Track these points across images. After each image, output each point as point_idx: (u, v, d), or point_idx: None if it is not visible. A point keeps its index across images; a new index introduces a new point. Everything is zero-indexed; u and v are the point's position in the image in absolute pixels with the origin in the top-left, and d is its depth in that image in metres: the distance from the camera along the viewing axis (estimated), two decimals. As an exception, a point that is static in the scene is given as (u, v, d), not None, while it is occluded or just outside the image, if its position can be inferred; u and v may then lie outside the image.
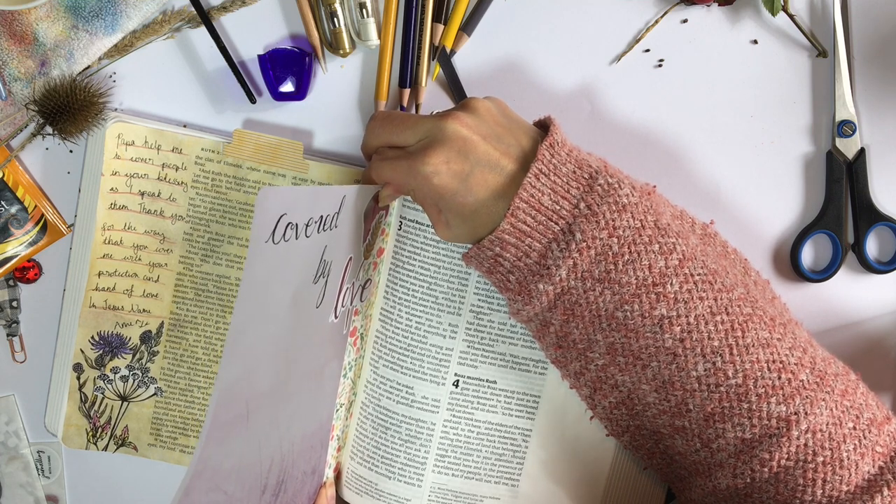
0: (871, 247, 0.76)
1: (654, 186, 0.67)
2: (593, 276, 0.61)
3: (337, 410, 0.75)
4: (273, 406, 0.63)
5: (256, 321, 0.57)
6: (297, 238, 0.59)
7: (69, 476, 0.81)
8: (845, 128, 0.74)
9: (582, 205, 0.61)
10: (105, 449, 0.77)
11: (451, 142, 0.62)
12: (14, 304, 0.77)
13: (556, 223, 0.62)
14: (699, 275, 0.62)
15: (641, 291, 0.61)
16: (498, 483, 0.75)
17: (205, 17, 0.72)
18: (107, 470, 0.81)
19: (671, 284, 0.61)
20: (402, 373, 0.73)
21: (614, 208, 0.61)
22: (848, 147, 0.74)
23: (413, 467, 0.74)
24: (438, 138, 0.62)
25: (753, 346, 0.61)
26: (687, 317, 0.61)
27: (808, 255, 0.76)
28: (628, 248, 0.61)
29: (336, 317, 0.69)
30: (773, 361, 0.61)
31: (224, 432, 0.58)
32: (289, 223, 0.58)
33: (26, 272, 0.76)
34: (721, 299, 0.62)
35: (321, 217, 0.61)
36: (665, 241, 0.62)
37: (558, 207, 0.61)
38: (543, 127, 0.66)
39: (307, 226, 0.60)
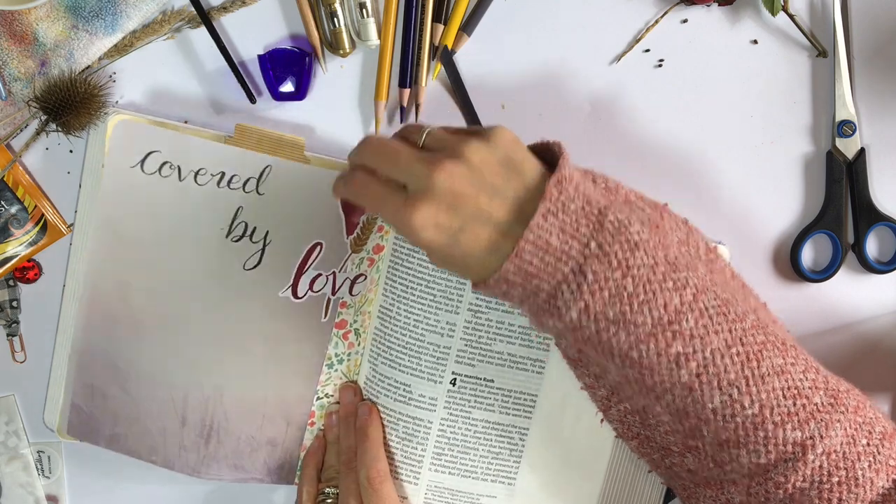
0: (871, 247, 0.76)
1: (666, 205, 0.66)
2: (607, 318, 0.59)
3: (318, 399, 0.76)
4: (172, 335, 0.73)
5: (122, 238, 0.70)
6: (181, 180, 0.69)
7: (69, 476, 0.81)
8: (845, 128, 0.74)
9: (593, 244, 0.59)
10: (98, 443, 0.77)
11: (441, 196, 0.58)
12: (14, 304, 0.77)
13: (566, 263, 0.59)
14: (713, 307, 0.60)
15: (657, 330, 0.59)
16: (495, 481, 0.75)
17: (205, 17, 0.72)
18: (107, 470, 0.81)
19: (686, 321, 0.59)
20: (399, 370, 0.73)
21: (626, 247, 0.59)
22: (848, 147, 0.74)
23: (410, 465, 0.74)
24: (427, 190, 0.58)
25: (769, 374, 0.60)
26: (703, 352, 0.59)
27: (808, 255, 0.76)
28: (643, 287, 0.59)
29: (297, 297, 0.72)
30: (789, 388, 0.60)
31: (99, 320, 0.73)
32: (165, 162, 0.69)
33: (26, 272, 0.76)
34: (735, 330, 0.60)
35: (222, 173, 0.70)
36: (678, 276, 0.60)
37: (567, 247, 0.59)
38: (545, 150, 0.63)
39: (197, 174, 0.69)
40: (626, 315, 0.59)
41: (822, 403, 0.60)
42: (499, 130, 0.61)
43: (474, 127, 0.66)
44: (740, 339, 0.60)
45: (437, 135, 0.62)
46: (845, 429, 0.60)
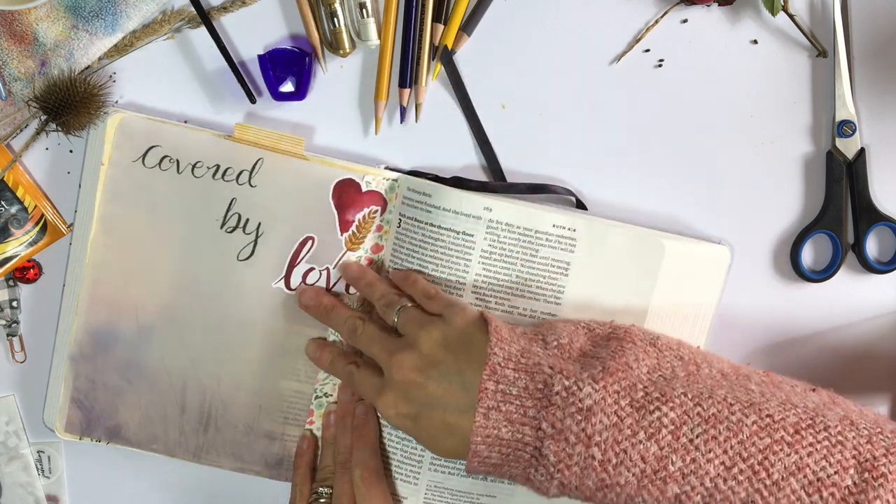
0: (871, 247, 0.76)
1: (630, 329, 0.65)
2: (588, 488, 0.59)
3: (317, 398, 0.77)
4: (170, 324, 0.75)
5: (123, 229, 0.73)
6: (179, 172, 0.72)
7: (69, 476, 0.81)
8: (845, 128, 0.74)
9: (545, 424, 0.59)
10: (98, 440, 0.77)
11: (397, 386, 0.65)
12: (14, 304, 0.77)
13: (524, 451, 0.60)
14: (699, 435, 0.58)
15: (646, 482, 0.58)
16: (494, 480, 0.75)
17: (205, 17, 0.72)
18: (107, 470, 0.81)
19: (672, 463, 0.58)
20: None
21: (580, 417, 0.59)
22: (848, 147, 0.74)
23: (409, 465, 0.74)
24: (387, 381, 0.66)
25: (783, 479, 0.57)
26: (702, 484, 0.58)
27: (808, 255, 0.76)
28: (612, 450, 0.58)
29: (290, 289, 0.75)
30: (810, 483, 0.57)
31: (101, 311, 0.74)
32: (165, 156, 0.72)
33: (26, 272, 0.77)
34: (732, 448, 0.58)
35: (217, 166, 0.72)
36: (649, 420, 0.59)
37: (520, 436, 0.60)
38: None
39: (194, 166, 0.72)
40: (606, 481, 0.59)
41: (856, 483, 0.57)
42: (458, 313, 0.66)
43: (441, 302, 0.69)
44: (740, 455, 0.58)
45: (407, 315, 0.68)
46: (888, 501, 0.56)
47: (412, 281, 0.71)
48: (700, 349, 0.66)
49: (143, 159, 0.72)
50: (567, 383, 0.60)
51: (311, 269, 0.74)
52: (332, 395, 0.77)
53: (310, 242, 0.74)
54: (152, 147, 0.72)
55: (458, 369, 0.63)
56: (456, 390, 0.63)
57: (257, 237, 0.73)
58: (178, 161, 0.72)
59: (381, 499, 0.71)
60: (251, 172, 0.72)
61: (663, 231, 0.74)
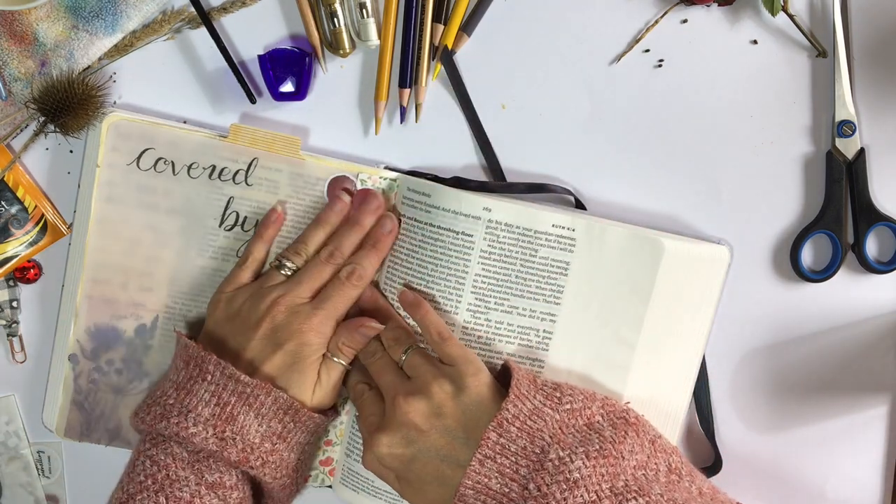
0: (871, 247, 0.76)
1: (636, 421, 0.67)
2: None
3: None
4: (169, 322, 0.75)
5: (121, 231, 0.73)
6: (175, 174, 0.73)
7: (69, 476, 0.81)
8: (845, 128, 0.74)
9: (531, 485, 0.62)
10: (98, 442, 0.77)
11: (398, 427, 0.66)
12: (14, 304, 0.77)
13: None
14: None
15: None
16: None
17: (205, 18, 0.72)
18: (107, 470, 0.81)
19: None
20: (398, 370, 0.73)
21: (565, 486, 0.61)
22: (848, 147, 0.74)
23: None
24: (391, 419, 0.67)
25: None
26: None
27: (808, 255, 0.76)
28: None
29: None
30: None
31: (101, 312, 0.75)
32: (160, 158, 0.73)
33: (26, 272, 0.77)
34: None
35: (213, 166, 0.73)
36: None
37: (507, 490, 0.62)
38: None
39: (190, 167, 0.73)
40: None
41: None
42: (473, 373, 0.67)
43: (454, 350, 0.69)
44: None
45: (417, 359, 0.69)
46: None
47: (424, 311, 0.71)
48: (688, 465, 0.69)
49: (138, 162, 0.73)
50: (562, 454, 0.62)
51: None
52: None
53: None
54: (146, 150, 0.72)
55: (464, 426, 0.65)
56: (458, 445, 0.65)
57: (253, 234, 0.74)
58: (172, 163, 0.73)
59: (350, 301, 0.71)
60: (247, 172, 0.73)
61: (663, 231, 0.75)
